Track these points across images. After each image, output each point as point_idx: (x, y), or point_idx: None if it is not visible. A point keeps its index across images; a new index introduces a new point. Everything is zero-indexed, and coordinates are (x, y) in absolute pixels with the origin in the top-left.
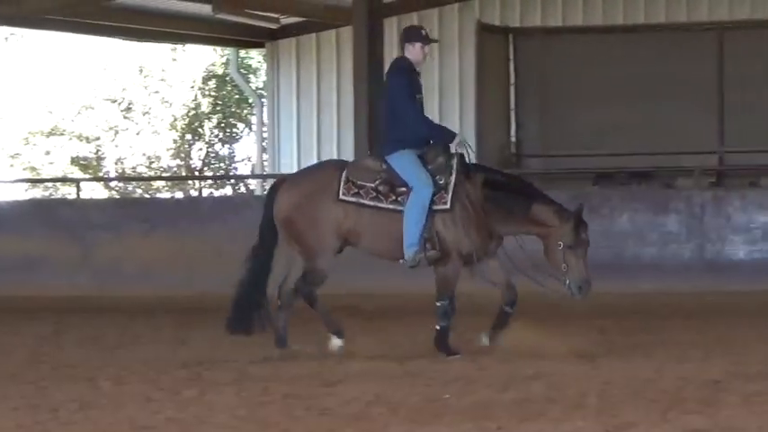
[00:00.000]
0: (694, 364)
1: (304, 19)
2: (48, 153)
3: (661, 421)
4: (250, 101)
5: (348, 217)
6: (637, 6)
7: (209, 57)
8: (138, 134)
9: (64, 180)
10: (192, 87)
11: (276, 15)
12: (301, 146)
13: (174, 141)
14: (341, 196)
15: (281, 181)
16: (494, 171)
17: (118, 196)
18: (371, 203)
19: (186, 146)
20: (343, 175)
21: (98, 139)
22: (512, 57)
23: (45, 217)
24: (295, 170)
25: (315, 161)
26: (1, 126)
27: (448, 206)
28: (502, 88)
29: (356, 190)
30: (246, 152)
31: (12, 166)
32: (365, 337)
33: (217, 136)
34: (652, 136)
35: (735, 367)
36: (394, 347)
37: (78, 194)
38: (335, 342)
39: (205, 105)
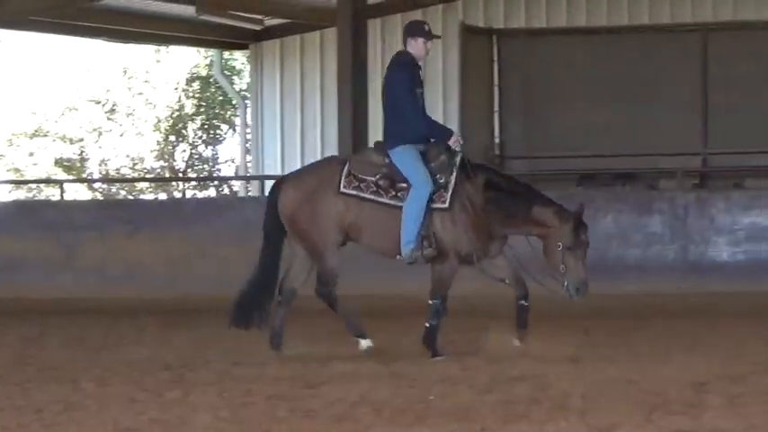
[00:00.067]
0: (678, 365)
1: (288, 20)
2: (31, 154)
3: (645, 422)
4: (234, 102)
5: (349, 211)
6: (620, 7)
7: (192, 58)
8: (121, 135)
9: (47, 181)
10: (176, 89)
11: (260, 17)
12: (285, 147)
13: (158, 143)
14: (342, 189)
15: (283, 179)
16: (495, 171)
17: (101, 197)
18: (371, 197)
19: (170, 147)
20: (345, 168)
21: (82, 140)
22: (495, 58)
23: (29, 218)
24: (279, 172)
25: (298, 163)
26: None
27: (446, 205)
28: (486, 89)
29: (357, 183)
30: (230, 154)
31: None
32: (350, 338)
33: (200, 137)
34: (636, 137)
35: (719, 369)
36: (378, 349)
37: (62, 196)
38: (363, 343)
39: (189, 107)
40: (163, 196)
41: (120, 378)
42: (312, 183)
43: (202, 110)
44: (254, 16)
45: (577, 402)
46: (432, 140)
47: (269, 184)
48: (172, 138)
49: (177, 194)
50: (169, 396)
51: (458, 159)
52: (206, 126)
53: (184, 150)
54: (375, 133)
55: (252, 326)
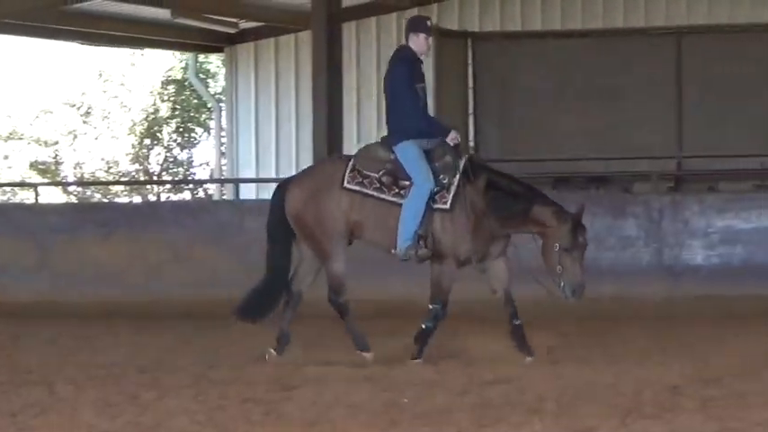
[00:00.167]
0: (653, 368)
1: (262, 24)
2: (6, 157)
3: (620, 426)
4: (209, 105)
5: (353, 206)
6: (595, 11)
7: (167, 61)
8: (96, 139)
9: (22, 185)
10: (151, 92)
11: (234, 20)
12: (260, 150)
13: (133, 146)
14: (345, 184)
15: (288, 179)
16: (496, 171)
17: (76, 201)
18: (374, 194)
19: (145, 150)
20: (350, 164)
21: (56, 143)
22: (470, 61)
23: (3, 221)
24: (253, 175)
25: (273, 166)
26: None
27: (448, 206)
28: (460, 93)
29: (360, 179)
30: (205, 157)
31: None
32: (325, 341)
33: (175, 140)
34: (610, 140)
35: (693, 372)
36: (353, 352)
37: (36, 199)
38: (367, 356)
39: (164, 110)
40: (138, 199)
41: (94, 381)
42: (317, 181)
43: (177, 113)
44: (228, 19)
45: (552, 405)
46: (433, 137)
47: (244, 187)
48: (147, 141)
49: (152, 198)
50: (144, 399)
51: (462, 161)
52: (181, 129)
53: (159, 153)
54: (349, 136)
55: (259, 321)
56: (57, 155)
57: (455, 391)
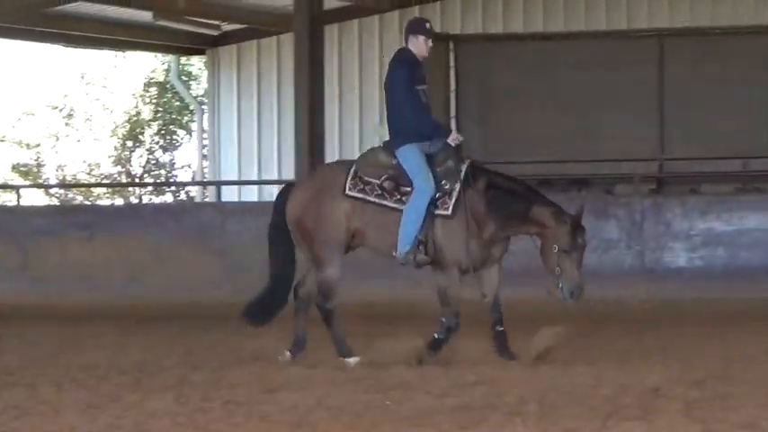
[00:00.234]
0: (635, 370)
1: (245, 26)
2: None
3: (601, 428)
4: (191, 108)
5: (355, 214)
6: (577, 13)
7: (149, 64)
8: (78, 141)
9: (4, 187)
10: (134, 95)
11: (217, 22)
12: (242, 152)
13: (115, 148)
14: (347, 191)
15: (291, 184)
16: (496, 173)
17: (58, 203)
18: (375, 200)
19: (127, 153)
20: (352, 169)
21: (38, 145)
22: (452, 64)
23: None
24: (236, 177)
25: (255, 168)
26: None
27: (449, 212)
28: (442, 95)
29: (362, 186)
30: (187, 159)
31: None
32: (307, 342)
33: (157, 143)
34: (593, 143)
35: (675, 374)
36: (334, 354)
37: (18, 201)
38: (351, 361)
39: (146, 112)
40: (120, 202)
41: (76, 383)
42: (318, 187)
43: (159, 115)
44: (211, 22)
45: (533, 407)
46: (434, 139)
47: (226, 189)
48: (129, 143)
49: (134, 200)
50: (126, 401)
51: (464, 166)
52: (163, 131)
53: (141, 156)
54: (331, 139)
55: (264, 324)
56: (39, 157)
57: (436, 393)
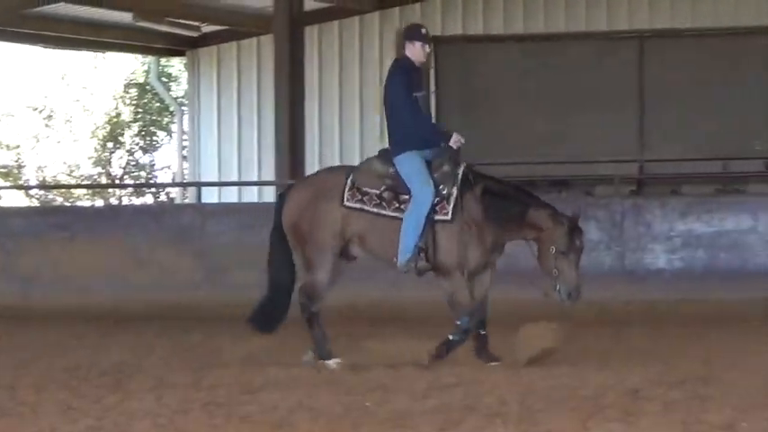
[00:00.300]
0: (615, 371)
1: (224, 27)
2: None
3: (581, 429)
4: (171, 109)
5: (351, 222)
6: (557, 15)
7: (130, 65)
8: (59, 142)
9: None
10: (114, 96)
11: (197, 23)
12: (222, 153)
13: (95, 149)
14: (345, 202)
15: (290, 187)
16: (491, 178)
17: (38, 204)
18: (374, 210)
19: (107, 154)
20: (349, 180)
21: (18, 147)
22: (433, 65)
23: None
24: (216, 178)
25: (235, 169)
26: None
27: (449, 217)
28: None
29: (360, 197)
30: (167, 160)
31: None
32: (287, 343)
33: (137, 144)
34: (573, 144)
35: (655, 375)
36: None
37: None
38: (331, 363)
39: (126, 113)
40: (100, 203)
41: (56, 385)
42: (315, 193)
43: (139, 116)
44: (190, 23)
45: (513, 409)
46: (435, 144)
47: (206, 190)
48: (109, 144)
49: (114, 201)
50: (106, 403)
51: (461, 170)
52: (143, 133)
53: (121, 157)
54: (311, 140)
55: (271, 331)
56: (19, 158)
57: (417, 394)
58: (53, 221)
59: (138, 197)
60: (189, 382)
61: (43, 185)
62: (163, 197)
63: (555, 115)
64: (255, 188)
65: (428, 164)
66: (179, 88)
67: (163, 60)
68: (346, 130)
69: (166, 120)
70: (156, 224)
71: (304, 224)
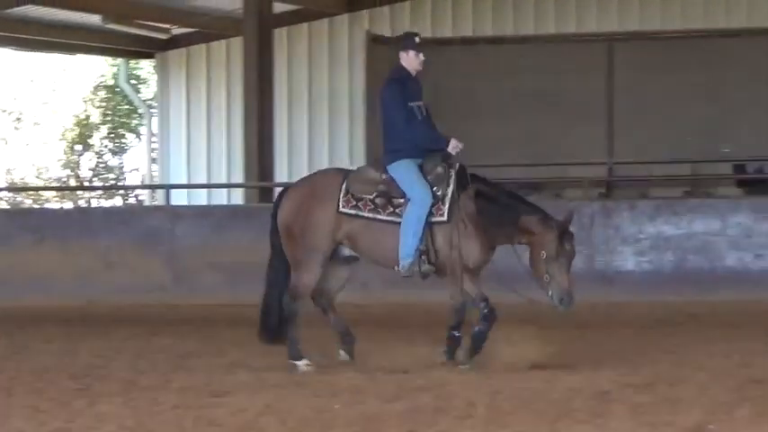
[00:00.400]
0: (584, 374)
1: (194, 29)
2: None
3: (550, 431)
4: (140, 111)
5: (343, 227)
6: (526, 17)
7: (99, 67)
8: (27, 144)
9: None
10: (84, 99)
11: (166, 26)
12: (191, 156)
13: (64, 152)
14: (340, 209)
15: (287, 188)
16: (485, 180)
17: (7, 206)
18: (369, 215)
19: (76, 156)
20: (344, 186)
21: None
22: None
23: None
24: (185, 181)
25: (205, 171)
26: None
27: (445, 218)
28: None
29: (354, 203)
30: (136, 163)
31: None
32: (256, 346)
33: (106, 146)
34: (542, 147)
35: (624, 378)
36: (284, 358)
37: None
38: (300, 364)
39: (95, 116)
40: (69, 205)
41: (25, 387)
42: (310, 195)
43: (108, 119)
44: (160, 25)
45: (482, 411)
46: (432, 151)
47: (175, 192)
48: (78, 147)
49: (83, 203)
50: (75, 406)
51: (454, 171)
52: (112, 135)
53: (90, 159)
54: (281, 141)
55: (280, 340)
56: None
57: (386, 397)
58: (22, 224)
59: (107, 199)
60: (158, 384)
61: (12, 188)
62: (132, 199)
63: (524, 118)
64: (224, 190)
65: (421, 168)
66: (148, 90)
67: (132, 63)
68: (315, 132)
69: (135, 122)
70: (125, 226)
71: (297, 225)
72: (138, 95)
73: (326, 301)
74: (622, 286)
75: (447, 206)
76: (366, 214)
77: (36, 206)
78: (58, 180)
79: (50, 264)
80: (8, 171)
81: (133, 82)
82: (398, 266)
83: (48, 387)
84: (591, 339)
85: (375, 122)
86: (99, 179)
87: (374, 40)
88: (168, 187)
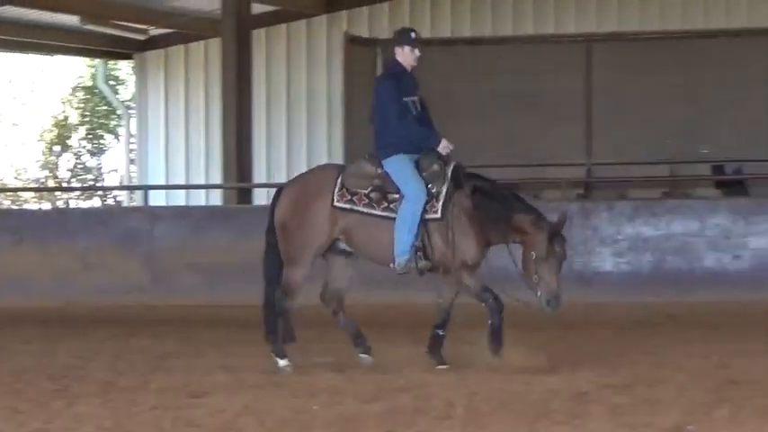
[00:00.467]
0: (562, 375)
1: (172, 30)
2: None
3: None
4: (118, 112)
5: (339, 222)
6: (505, 18)
7: (77, 68)
8: (5, 145)
9: None
10: (62, 100)
11: (144, 27)
12: (169, 157)
13: (42, 153)
14: (335, 203)
15: (283, 186)
16: (481, 178)
17: None
18: (364, 210)
19: (54, 157)
20: (339, 181)
21: None
22: (380, 69)
23: None
24: (163, 182)
25: (183, 172)
26: None
27: (439, 215)
28: (370, 101)
29: (349, 197)
30: (114, 163)
31: None
32: (233, 346)
33: (85, 147)
34: (520, 148)
35: (602, 379)
36: (263, 358)
37: None
38: (281, 362)
39: (73, 117)
40: (47, 206)
41: (3, 388)
42: (305, 190)
43: (87, 120)
44: (138, 26)
45: (461, 412)
46: (424, 148)
47: (153, 193)
48: (56, 148)
49: (61, 204)
50: (53, 407)
51: (450, 169)
52: (90, 136)
53: (69, 160)
54: (259, 142)
55: (286, 340)
56: None
57: (365, 397)
58: (1, 225)
59: (85, 200)
60: (136, 385)
61: None
62: (110, 200)
63: (503, 119)
64: (203, 191)
65: (416, 164)
66: (126, 91)
67: (110, 63)
68: (294, 132)
69: (114, 123)
70: (103, 227)
71: (294, 222)
72: (117, 96)
73: (337, 303)
74: (601, 287)
75: (441, 203)
76: (361, 209)
77: (14, 207)
78: (37, 181)
79: (29, 265)
80: None
81: (111, 83)
82: (394, 264)
83: (26, 388)
84: (569, 340)
85: (353, 123)
86: (77, 180)
87: (352, 41)
88: (146, 188)
